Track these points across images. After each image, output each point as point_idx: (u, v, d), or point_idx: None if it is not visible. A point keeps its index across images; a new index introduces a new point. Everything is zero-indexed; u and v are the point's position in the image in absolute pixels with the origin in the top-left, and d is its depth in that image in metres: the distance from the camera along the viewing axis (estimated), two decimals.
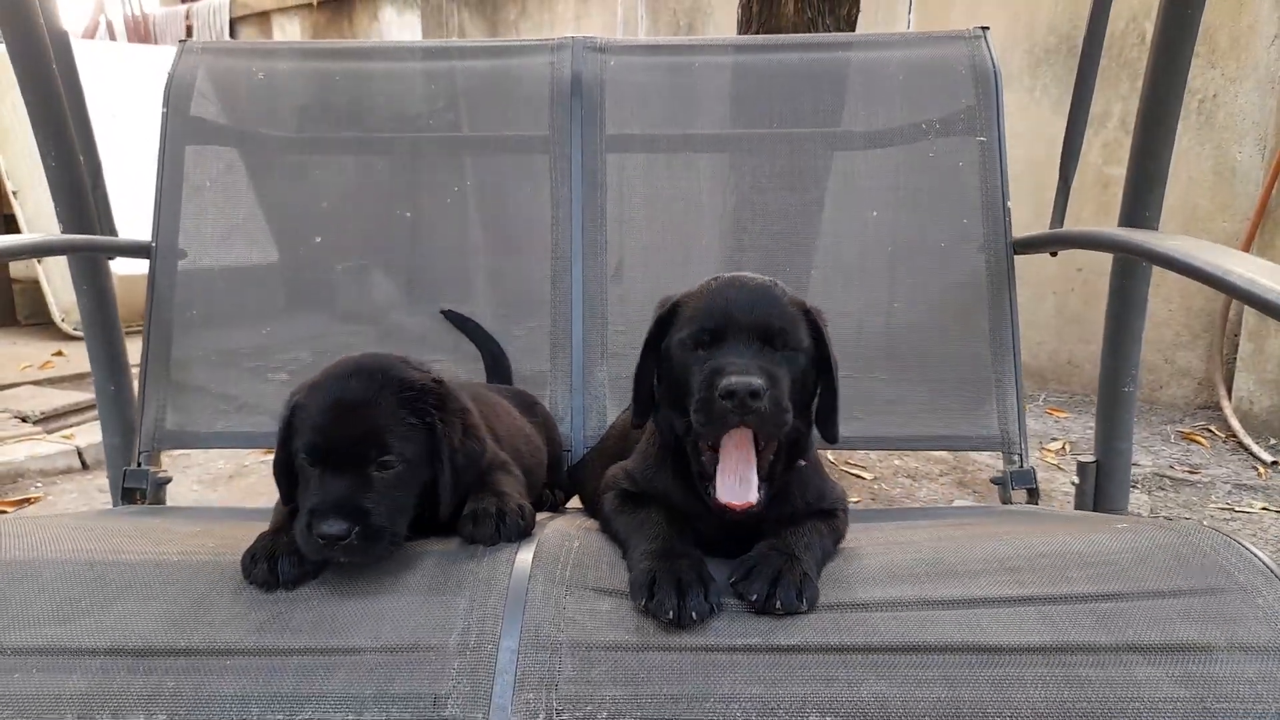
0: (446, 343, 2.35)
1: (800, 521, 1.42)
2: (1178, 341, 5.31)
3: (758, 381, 1.24)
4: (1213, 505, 3.86)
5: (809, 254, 2.39)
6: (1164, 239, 1.75)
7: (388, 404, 1.38)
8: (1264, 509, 3.82)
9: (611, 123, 2.44)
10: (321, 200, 2.42)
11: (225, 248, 2.39)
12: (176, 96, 2.42)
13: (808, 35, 2.53)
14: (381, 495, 1.35)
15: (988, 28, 2.49)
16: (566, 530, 1.49)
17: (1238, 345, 5.03)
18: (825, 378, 1.43)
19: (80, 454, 4.58)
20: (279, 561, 1.28)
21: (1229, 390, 5.07)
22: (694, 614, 1.21)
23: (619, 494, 1.52)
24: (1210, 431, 4.94)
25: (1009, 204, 2.34)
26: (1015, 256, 2.32)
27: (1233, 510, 3.81)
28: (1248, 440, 4.69)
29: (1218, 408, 5.09)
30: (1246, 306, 4.84)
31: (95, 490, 4.29)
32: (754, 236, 2.40)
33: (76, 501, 4.19)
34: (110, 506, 2.31)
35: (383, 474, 1.36)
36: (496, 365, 2.28)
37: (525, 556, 1.36)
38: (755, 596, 1.23)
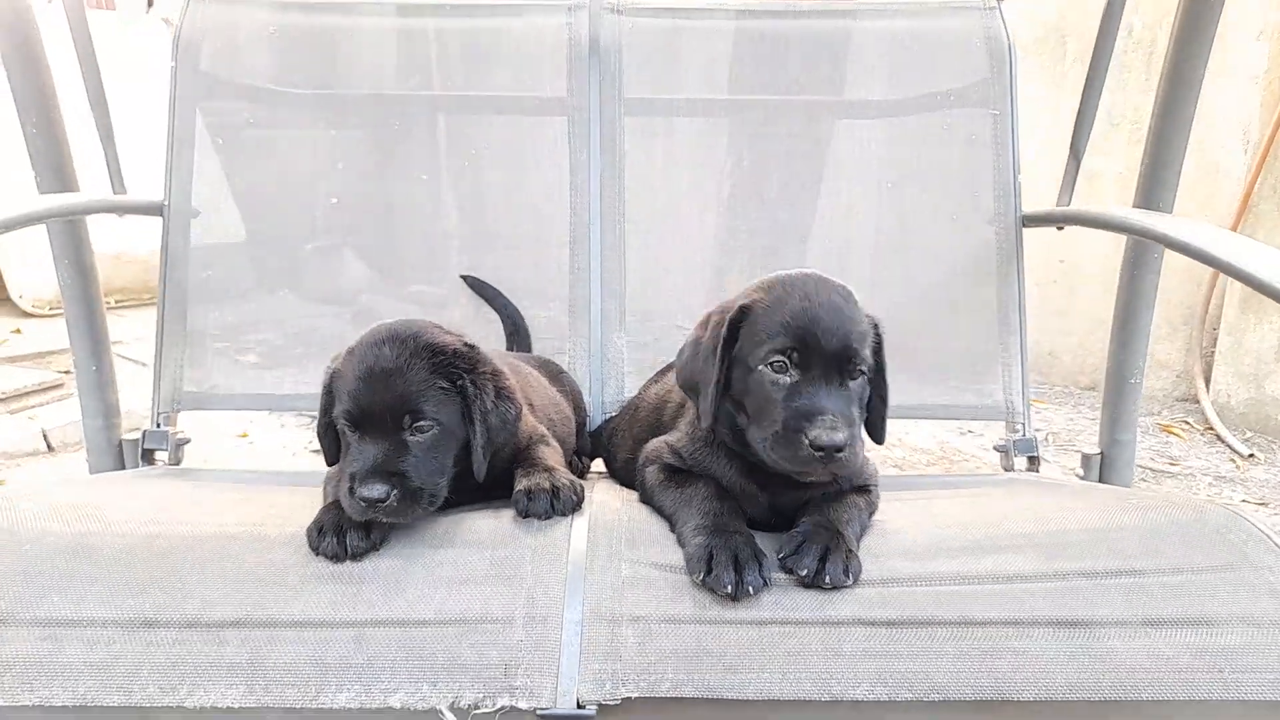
0: (466, 308, 2.36)
1: (840, 497, 1.48)
2: (1157, 334, 5.29)
3: (844, 436, 1.29)
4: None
5: (824, 220, 2.42)
6: (1179, 222, 1.80)
7: (419, 370, 1.42)
8: (1244, 501, 3.93)
9: (630, 86, 2.43)
10: (337, 160, 2.40)
11: (240, 206, 2.36)
12: (186, 50, 2.36)
13: (832, 2, 2.50)
14: (418, 458, 1.40)
15: None
16: (613, 503, 1.55)
17: (1216, 339, 5.11)
18: (879, 387, 1.48)
19: (45, 435, 4.40)
20: (347, 534, 1.33)
21: (1207, 383, 5.16)
22: (750, 589, 1.27)
23: (663, 468, 1.57)
24: (1188, 424, 5.04)
25: (1020, 178, 2.38)
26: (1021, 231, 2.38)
27: (1213, 502, 3.88)
28: (1225, 433, 4.80)
29: (1196, 400, 5.19)
30: (1227, 303, 4.97)
31: (62, 474, 4.13)
32: (771, 205, 2.43)
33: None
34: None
35: (418, 437, 1.41)
36: (517, 332, 2.30)
37: (580, 531, 1.41)
38: (805, 572, 1.30)
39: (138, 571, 1.31)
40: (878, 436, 1.51)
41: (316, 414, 1.53)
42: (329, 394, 1.47)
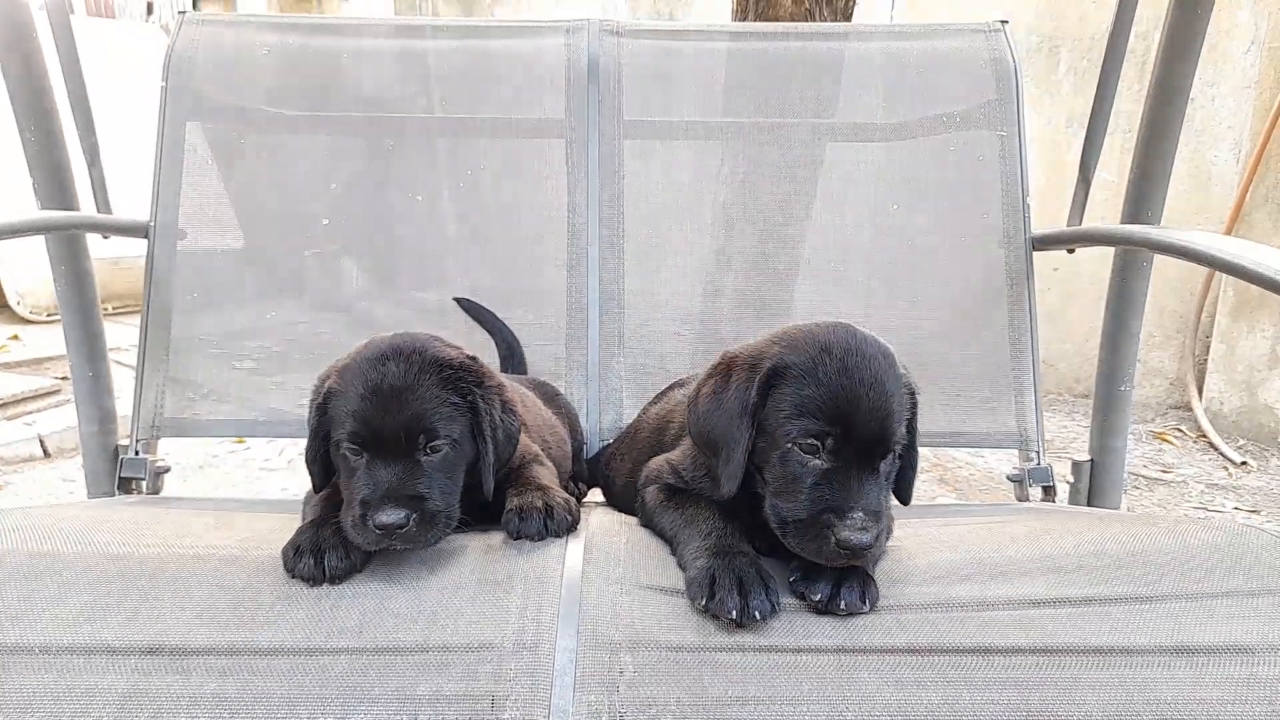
0: (460, 331, 2.29)
1: None
2: (1150, 342, 5.38)
3: (872, 536, 1.20)
4: (1187, 505, 3.91)
5: (828, 243, 2.37)
6: (1196, 235, 1.75)
7: (429, 386, 1.33)
8: (1236, 509, 3.90)
9: (629, 108, 2.39)
10: (330, 182, 2.35)
11: (228, 228, 2.30)
12: (177, 70, 2.32)
13: (830, 24, 2.48)
14: (433, 478, 1.31)
15: (1007, 21, 2.48)
16: (611, 525, 1.46)
17: (1209, 346, 5.11)
18: (910, 457, 1.39)
19: (42, 442, 4.42)
20: (326, 555, 1.23)
21: (1200, 391, 5.15)
22: (757, 614, 1.17)
23: (663, 488, 1.48)
24: (1180, 431, 5.03)
25: (1029, 199, 2.33)
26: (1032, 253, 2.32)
27: (1206, 510, 3.85)
28: (1218, 440, 4.78)
29: (1188, 408, 5.19)
30: (1219, 310, 4.97)
31: (59, 480, 4.14)
32: (772, 228, 2.37)
33: (40, 490, 4.03)
34: (84, 498, 2.22)
35: (433, 457, 1.32)
36: (511, 355, 2.23)
37: (576, 553, 1.32)
38: (819, 597, 1.21)
39: (99, 594, 1.22)
40: (904, 499, 1.41)
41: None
42: (322, 415, 1.36)
